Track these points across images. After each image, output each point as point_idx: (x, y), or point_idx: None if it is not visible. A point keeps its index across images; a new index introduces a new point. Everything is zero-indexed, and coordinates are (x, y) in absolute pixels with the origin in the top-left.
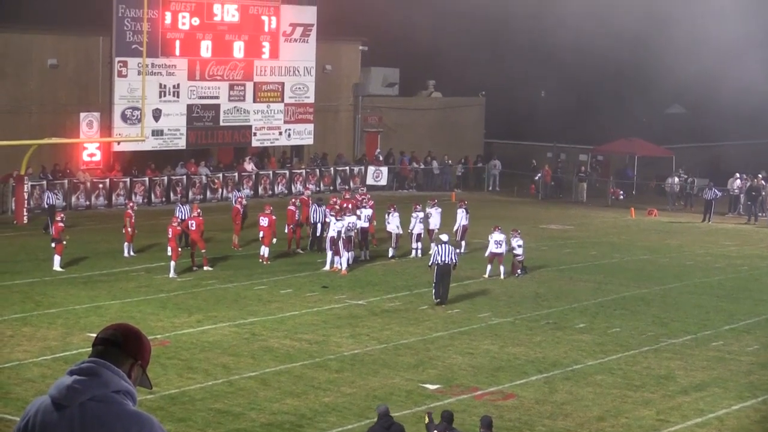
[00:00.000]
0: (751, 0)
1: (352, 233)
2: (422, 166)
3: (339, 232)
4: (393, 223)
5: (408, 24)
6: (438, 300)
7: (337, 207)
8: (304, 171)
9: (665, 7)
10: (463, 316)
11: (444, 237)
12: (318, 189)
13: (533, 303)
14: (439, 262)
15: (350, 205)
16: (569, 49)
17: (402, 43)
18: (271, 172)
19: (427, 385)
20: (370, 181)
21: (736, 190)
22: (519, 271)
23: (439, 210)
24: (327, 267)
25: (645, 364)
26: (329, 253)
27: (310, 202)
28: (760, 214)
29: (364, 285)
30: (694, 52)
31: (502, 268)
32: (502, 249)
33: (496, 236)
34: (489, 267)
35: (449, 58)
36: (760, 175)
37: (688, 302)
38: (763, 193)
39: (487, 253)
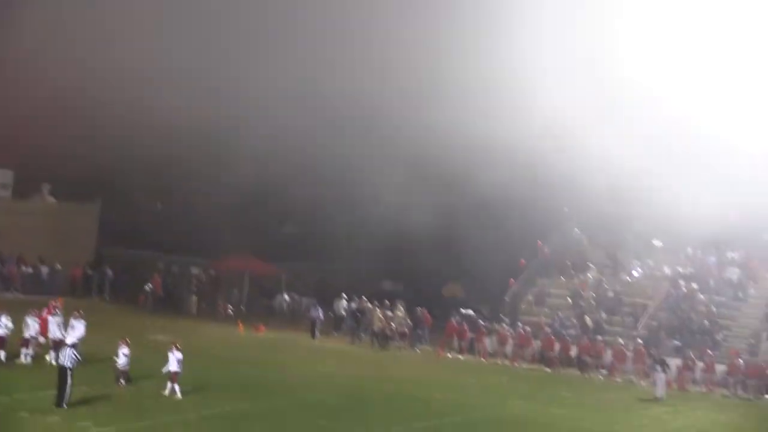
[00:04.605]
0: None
1: None
2: (30, 270)
3: None
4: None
5: (25, 125)
6: (56, 402)
7: None
8: None
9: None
10: (63, 425)
11: (69, 340)
12: None
13: (135, 413)
14: (58, 364)
15: None
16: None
17: (18, 145)
18: None
19: None
20: None
21: (341, 311)
22: (122, 380)
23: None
24: None
25: None
26: None
27: None
28: (362, 335)
29: None
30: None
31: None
32: (125, 362)
33: (124, 349)
34: (121, 380)
35: (66, 162)
36: (363, 297)
37: (292, 418)
38: (367, 315)
39: (117, 365)
